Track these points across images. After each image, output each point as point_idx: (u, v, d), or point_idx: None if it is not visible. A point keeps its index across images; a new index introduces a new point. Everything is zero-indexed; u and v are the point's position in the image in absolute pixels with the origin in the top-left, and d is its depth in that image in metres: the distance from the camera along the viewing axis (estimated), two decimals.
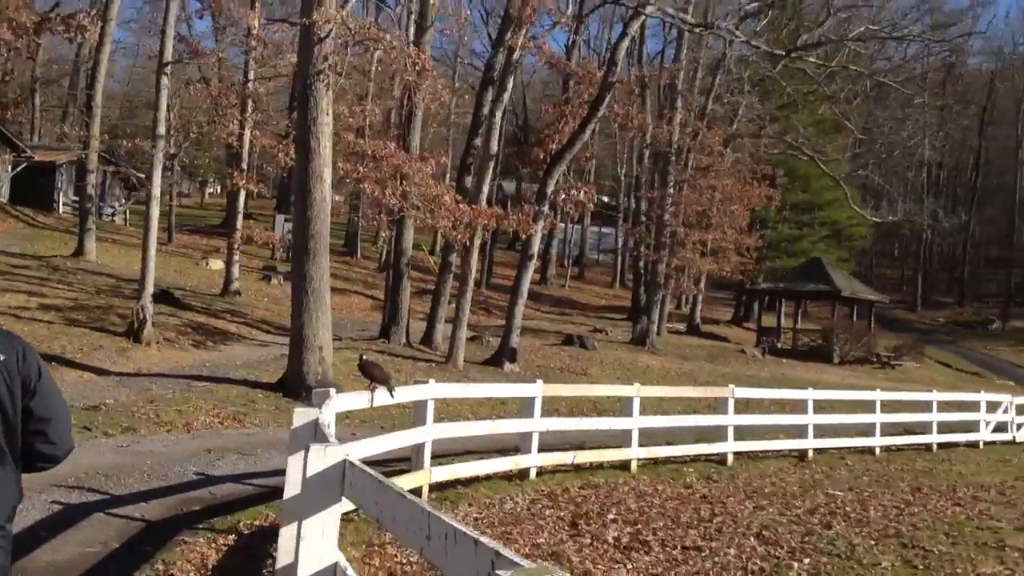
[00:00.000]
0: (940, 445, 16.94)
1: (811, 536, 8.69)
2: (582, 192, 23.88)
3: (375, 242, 48.37)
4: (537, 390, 10.90)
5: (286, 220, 36.65)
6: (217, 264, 31.54)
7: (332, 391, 7.55)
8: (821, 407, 16.91)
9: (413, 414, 9.39)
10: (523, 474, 10.64)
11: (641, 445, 12.12)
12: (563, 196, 24.09)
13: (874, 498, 11.16)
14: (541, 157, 23.97)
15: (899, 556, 8.14)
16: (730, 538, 8.38)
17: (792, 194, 42.02)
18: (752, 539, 8.40)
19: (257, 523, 7.92)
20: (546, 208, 23.47)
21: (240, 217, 25.82)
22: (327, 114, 16.16)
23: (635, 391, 12.22)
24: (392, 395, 8.37)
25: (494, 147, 22.77)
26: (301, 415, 5.51)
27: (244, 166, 25.35)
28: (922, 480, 13.06)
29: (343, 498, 3.78)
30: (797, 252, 43.63)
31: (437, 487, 9.44)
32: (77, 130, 47.90)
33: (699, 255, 32.91)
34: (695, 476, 12.03)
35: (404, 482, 8.21)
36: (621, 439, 12.17)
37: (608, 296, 52.29)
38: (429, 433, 9.25)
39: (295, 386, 16.01)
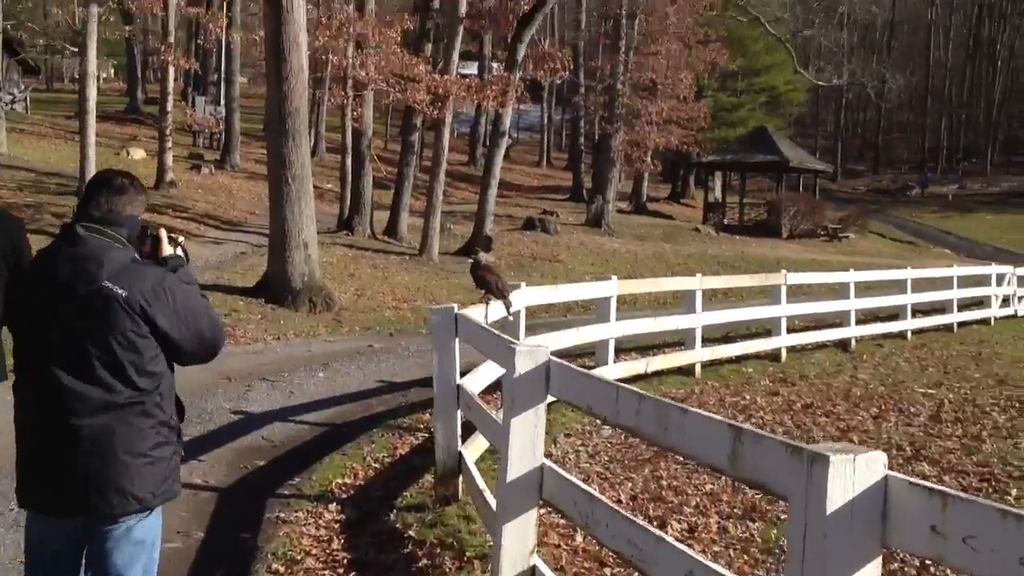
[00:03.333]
0: (959, 324, 16.38)
1: (974, 455, 7.64)
2: (553, 58, 21.81)
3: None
4: (613, 288, 9.52)
5: (207, 102, 33.49)
6: (139, 153, 28.55)
7: (454, 307, 5.92)
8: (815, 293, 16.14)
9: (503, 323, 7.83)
10: None
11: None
12: (534, 64, 21.91)
13: (976, 392, 10.28)
14: (509, 19, 21.71)
15: None
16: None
17: (728, 60, 40.59)
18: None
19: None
20: (517, 77, 21.48)
21: (171, 99, 22.85)
22: None
23: (698, 283, 10.92)
24: (509, 312, 6.80)
25: (462, 8, 20.27)
26: (526, 358, 3.90)
27: (172, 40, 22.32)
28: (986, 367, 12.31)
29: None
30: (735, 121, 42.44)
31: None
32: None
33: (655, 127, 31.38)
34: (767, 379, 10.87)
35: None
36: (683, 337, 10.95)
37: (538, 176, 50.62)
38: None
39: (279, 290, 14.19)
